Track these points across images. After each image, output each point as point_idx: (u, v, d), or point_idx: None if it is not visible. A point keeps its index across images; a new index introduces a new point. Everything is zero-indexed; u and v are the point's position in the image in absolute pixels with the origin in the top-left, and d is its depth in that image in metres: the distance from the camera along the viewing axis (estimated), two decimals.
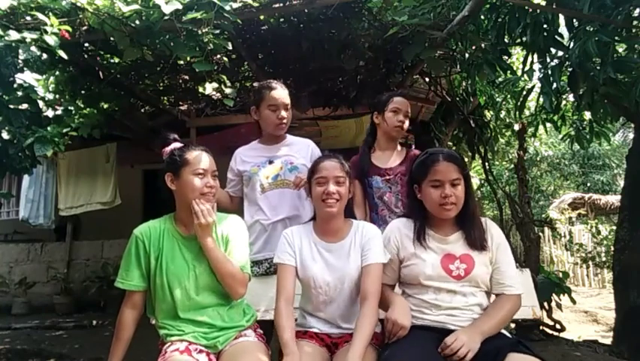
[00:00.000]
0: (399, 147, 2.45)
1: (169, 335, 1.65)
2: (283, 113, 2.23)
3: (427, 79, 5.02)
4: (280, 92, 2.24)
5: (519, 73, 3.19)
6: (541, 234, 8.01)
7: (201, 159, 1.70)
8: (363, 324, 1.55)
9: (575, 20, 2.60)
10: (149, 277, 1.70)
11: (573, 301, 4.24)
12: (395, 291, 1.76)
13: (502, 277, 1.63)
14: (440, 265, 1.61)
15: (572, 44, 2.63)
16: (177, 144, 1.80)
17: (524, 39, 2.83)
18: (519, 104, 3.31)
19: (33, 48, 2.41)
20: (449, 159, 1.62)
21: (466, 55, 3.45)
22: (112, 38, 2.75)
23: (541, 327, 3.91)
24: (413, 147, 6.22)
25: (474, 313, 1.59)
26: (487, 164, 5.37)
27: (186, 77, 4.72)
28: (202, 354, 1.61)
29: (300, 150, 2.30)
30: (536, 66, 2.98)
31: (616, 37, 2.43)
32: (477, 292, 1.62)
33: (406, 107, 2.39)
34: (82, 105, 4.40)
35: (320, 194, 1.71)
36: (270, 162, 2.26)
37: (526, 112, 4.85)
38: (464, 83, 5.28)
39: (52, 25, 2.40)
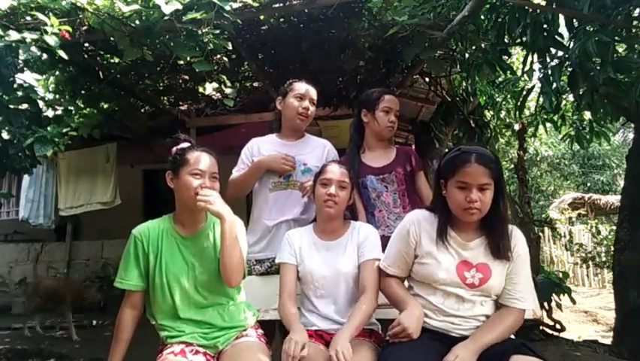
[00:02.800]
0: (388, 145, 2.39)
1: (169, 336, 1.65)
2: (307, 104, 2.25)
3: (427, 79, 5.00)
4: (309, 86, 2.30)
5: (519, 73, 3.18)
6: (541, 234, 7.99)
7: (200, 159, 1.69)
8: (358, 310, 1.65)
9: (575, 20, 2.59)
10: (147, 278, 1.70)
11: (573, 301, 4.23)
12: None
13: (513, 289, 1.56)
14: (455, 271, 1.55)
15: (572, 44, 2.62)
16: (185, 144, 1.79)
17: (524, 39, 2.83)
18: (519, 104, 3.31)
19: (33, 48, 2.42)
20: (481, 162, 1.48)
21: (466, 55, 3.44)
22: (112, 38, 2.75)
23: (541, 327, 3.90)
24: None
25: (478, 323, 1.56)
26: None
27: (186, 77, 4.72)
28: (199, 355, 1.60)
29: (315, 150, 2.29)
30: (536, 66, 2.98)
31: (616, 37, 2.42)
32: (486, 301, 1.58)
33: (396, 105, 2.31)
34: (82, 105, 4.40)
35: (322, 195, 1.82)
36: None
37: (526, 112, 4.84)
38: (464, 83, 5.27)
39: (52, 26, 2.40)
